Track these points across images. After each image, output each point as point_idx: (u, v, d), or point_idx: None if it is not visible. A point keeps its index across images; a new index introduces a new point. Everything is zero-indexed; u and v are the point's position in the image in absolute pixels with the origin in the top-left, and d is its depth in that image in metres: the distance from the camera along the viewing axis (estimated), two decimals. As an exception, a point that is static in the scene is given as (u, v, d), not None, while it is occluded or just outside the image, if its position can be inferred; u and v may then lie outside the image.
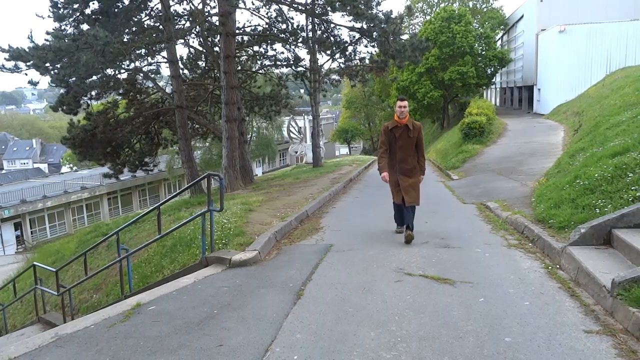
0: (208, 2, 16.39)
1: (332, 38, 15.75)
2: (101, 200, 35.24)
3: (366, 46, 15.87)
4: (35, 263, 9.43)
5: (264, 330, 3.53)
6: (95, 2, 12.79)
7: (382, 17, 12.29)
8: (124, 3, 13.22)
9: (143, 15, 14.85)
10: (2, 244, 29.92)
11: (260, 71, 19.41)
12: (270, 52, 17.90)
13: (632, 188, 5.02)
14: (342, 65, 17.19)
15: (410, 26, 42.08)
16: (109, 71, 14.02)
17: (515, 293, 3.92)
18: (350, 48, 16.07)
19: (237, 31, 15.37)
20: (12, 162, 70.73)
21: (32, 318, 9.44)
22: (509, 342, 3.10)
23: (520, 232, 5.89)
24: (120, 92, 16.59)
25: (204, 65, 18.80)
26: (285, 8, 15.33)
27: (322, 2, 13.85)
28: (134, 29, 13.86)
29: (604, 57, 24.27)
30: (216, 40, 15.95)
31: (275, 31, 16.04)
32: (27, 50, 11.11)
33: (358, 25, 12.99)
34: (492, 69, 30.48)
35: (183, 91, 15.83)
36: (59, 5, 12.94)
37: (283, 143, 44.01)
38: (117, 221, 15.74)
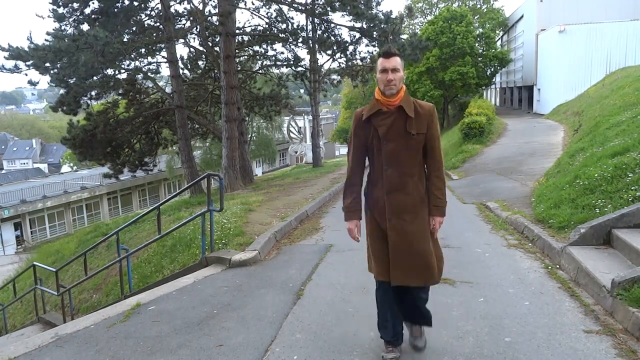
0: (208, 2, 16.41)
1: (332, 38, 15.77)
2: (101, 200, 35.23)
3: (367, 46, 15.90)
4: (35, 263, 9.43)
5: (263, 330, 3.53)
6: (95, 2, 12.80)
7: (382, 17, 12.32)
8: (124, 3, 13.23)
9: (143, 15, 14.86)
10: (2, 244, 29.92)
11: (260, 71, 19.43)
12: (270, 52, 17.96)
13: (632, 188, 5.02)
14: (343, 65, 17.21)
15: (410, 26, 42.10)
16: (109, 71, 14.03)
17: (515, 293, 3.92)
18: (350, 48, 16.09)
19: (237, 31, 15.38)
20: (12, 162, 70.70)
21: (32, 318, 9.44)
22: (509, 342, 3.10)
23: (520, 232, 5.89)
24: (120, 92, 16.60)
25: (204, 65, 18.82)
26: (285, 8, 15.36)
27: (322, 2, 13.86)
28: (134, 29, 13.87)
29: (604, 57, 24.26)
30: (216, 40, 15.95)
31: (275, 31, 16.06)
32: (27, 50, 11.13)
33: (358, 25, 13.01)
34: (492, 69, 30.47)
35: (183, 91, 15.83)
36: (59, 5, 12.94)
37: (283, 143, 44.01)
38: (117, 221, 15.74)
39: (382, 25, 12.21)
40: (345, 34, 15.96)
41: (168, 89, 17.65)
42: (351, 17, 12.68)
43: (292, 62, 17.42)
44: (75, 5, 12.87)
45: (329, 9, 13.20)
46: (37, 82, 12.72)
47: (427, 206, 2.84)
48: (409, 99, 2.82)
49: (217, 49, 15.77)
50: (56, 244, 16.36)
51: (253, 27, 17.45)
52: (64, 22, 13.11)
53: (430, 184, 2.86)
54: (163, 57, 16.12)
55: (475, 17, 36.87)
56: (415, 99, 2.86)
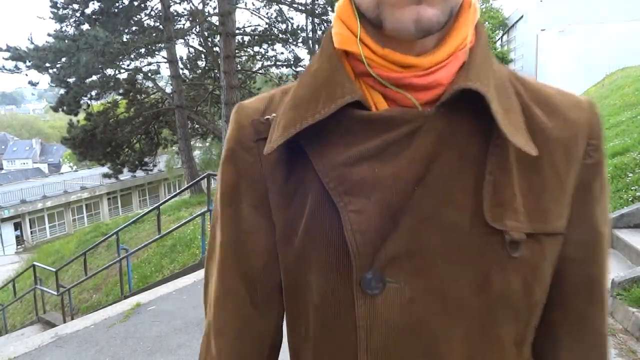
0: (208, 2, 16.42)
1: (332, 38, 15.77)
2: (101, 200, 35.23)
3: (366, 46, 15.88)
4: (35, 263, 9.43)
5: (263, 330, 3.52)
6: (95, 2, 12.81)
7: (382, 17, 12.31)
8: (124, 3, 13.23)
9: (143, 15, 14.86)
10: (2, 244, 29.93)
11: (260, 71, 19.43)
12: (270, 53, 17.94)
13: (632, 188, 5.02)
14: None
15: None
16: (109, 71, 14.05)
17: (515, 293, 3.91)
18: (350, 48, 16.08)
19: (237, 31, 15.39)
20: (12, 162, 70.66)
21: (32, 318, 9.44)
22: (509, 342, 3.10)
23: (520, 232, 5.88)
24: (120, 92, 16.59)
25: (204, 65, 18.81)
26: (285, 8, 15.36)
27: (322, 2, 13.87)
28: (134, 29, 13.88)
29: (604, 57, 24.28)
30: (216, 40, 15.96)
31: (275, 31, 16.06)
32: (27, 50, 11.13)
33: (358, 25, 12.99)
34: (492, 69, 30.49)
35: (183, 91, 15.83)
36: (59, 6, 12.95)
37: (283, 143, 44.04)
38: (117, 221, 15.74)
39: (382, 25, 12.23)
40: (345, 34, 15.97)
41: (168, 89, 17.65)
42: (351, 17, 12.67)
43: (292, 63, 17.42)
44: (75, 6, 12.88)
45: (329, 9, 13.21)
46: (37, 82, 12.80)
47: None
48: (492, 64, 0.51)
49: (217, 49, 15.78)
50: (56, 244, 16.38)
51: (253, 28, 17.46)
52: (65, 23, 13.13)
53: None
54: (163, 57, 16.12)
55: (475, 17, 36.91)
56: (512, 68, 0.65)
